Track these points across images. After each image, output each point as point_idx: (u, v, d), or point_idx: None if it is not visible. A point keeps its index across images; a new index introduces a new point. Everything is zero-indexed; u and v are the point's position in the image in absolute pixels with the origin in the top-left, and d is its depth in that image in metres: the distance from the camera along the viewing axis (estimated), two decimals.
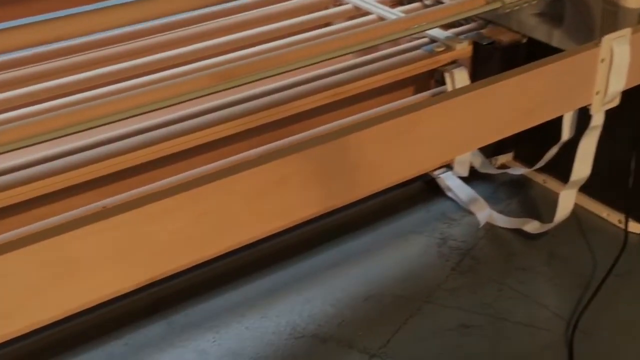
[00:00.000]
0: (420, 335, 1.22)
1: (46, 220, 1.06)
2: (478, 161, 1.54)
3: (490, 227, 1.45)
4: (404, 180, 1.49)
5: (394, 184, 1.47)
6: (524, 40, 1.41)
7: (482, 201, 1.49)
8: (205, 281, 1.32)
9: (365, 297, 1.29)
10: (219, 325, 1.24)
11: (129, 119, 1.18)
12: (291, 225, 1.34)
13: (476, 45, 1.41)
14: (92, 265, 0.83)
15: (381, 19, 1.48)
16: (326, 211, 1.39)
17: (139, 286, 1.20)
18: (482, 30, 1.45)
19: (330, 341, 1.21)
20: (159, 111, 1.21)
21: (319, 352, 1.19)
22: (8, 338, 1.12)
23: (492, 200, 1.50)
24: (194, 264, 1.26)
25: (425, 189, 1.55)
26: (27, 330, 1.13)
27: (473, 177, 1.54)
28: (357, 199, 1.43)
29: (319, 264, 1.36)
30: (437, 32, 1.44)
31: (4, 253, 0.77)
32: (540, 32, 1.39)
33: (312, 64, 1.32)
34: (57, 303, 0.83)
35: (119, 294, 1.20)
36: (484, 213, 1.47)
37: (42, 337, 1.20)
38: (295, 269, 1.35)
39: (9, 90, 1.27)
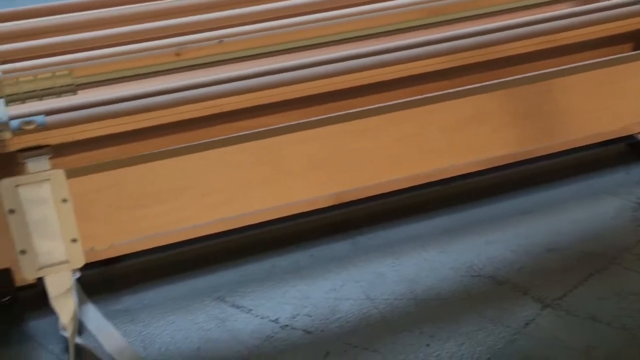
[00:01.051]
0: (600, 294, 1.20)
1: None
2: None
3: None
4: (605, 137, 1.44)
5: (593, 139, 1.43)
6: None
7: None
8: (391, 210, 1.37)
9: (549, 248, 1.28)
10: (399, 253, 1.29)
11: (337, 45, 1.24)
12: (484, 163, 1.34)
13: None
14: (296, 169, 0.90)
15: None
16: (522, 158, 1.38)
17: (329, 203, 1.29)
18: None
19: (506, 284, 1.22)
20: (367, 40, 1.26)
21: (492, 293, 1.21)
22: (227, 228, 1.23)
23: None
24: (383, 189, 1.32)
25: (628, 151, 1.49)
26: (242, 224, 1.23)
27: None
28: (555, 149, 1.40)
29: (505, 209, 1.36)
30: None
31: (227, 145, 0.86)
32: None
33: (524, 8, 1.30)
34: (264, 197, 0.91)
35: (312, 207, 1.29)
36: None
37: (243, 236, 1.30)
38: (479, 211, 1.36)
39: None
